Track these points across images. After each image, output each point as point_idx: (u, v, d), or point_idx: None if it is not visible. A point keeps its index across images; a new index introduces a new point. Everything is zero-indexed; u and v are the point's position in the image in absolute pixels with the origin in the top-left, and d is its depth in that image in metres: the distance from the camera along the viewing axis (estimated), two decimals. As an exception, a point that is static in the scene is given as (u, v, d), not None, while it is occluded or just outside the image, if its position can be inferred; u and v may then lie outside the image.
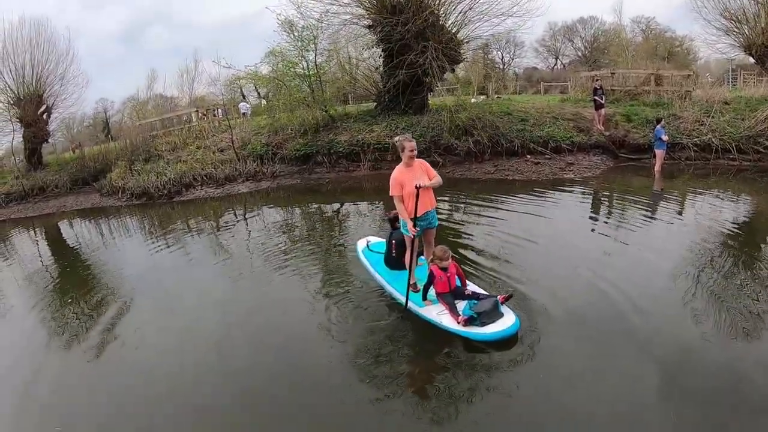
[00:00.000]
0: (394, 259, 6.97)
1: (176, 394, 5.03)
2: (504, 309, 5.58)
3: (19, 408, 5.04)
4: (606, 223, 9.92)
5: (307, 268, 8.09)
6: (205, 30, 72.27)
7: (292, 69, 17.39)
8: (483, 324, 5.38)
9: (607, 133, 17.04)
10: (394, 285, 6.52)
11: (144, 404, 4.89)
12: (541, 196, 12.07)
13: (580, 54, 45.23)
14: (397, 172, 5.97)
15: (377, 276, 7.04)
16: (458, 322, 5.49)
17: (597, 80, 17.71)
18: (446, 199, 12.14)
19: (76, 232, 13.66)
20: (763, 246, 8.28)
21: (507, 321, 5.39)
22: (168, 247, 10.48)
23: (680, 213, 10.32)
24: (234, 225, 12.04)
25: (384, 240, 7.75)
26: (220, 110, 25.57)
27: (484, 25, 16.93)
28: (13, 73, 19.42)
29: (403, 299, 6.16)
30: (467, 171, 15.00)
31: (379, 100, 17.87)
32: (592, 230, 9.41)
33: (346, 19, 16.88)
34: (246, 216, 12.89)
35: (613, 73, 19.76)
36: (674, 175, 14.12)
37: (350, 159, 16.02)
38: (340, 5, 16.60)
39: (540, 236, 8.67)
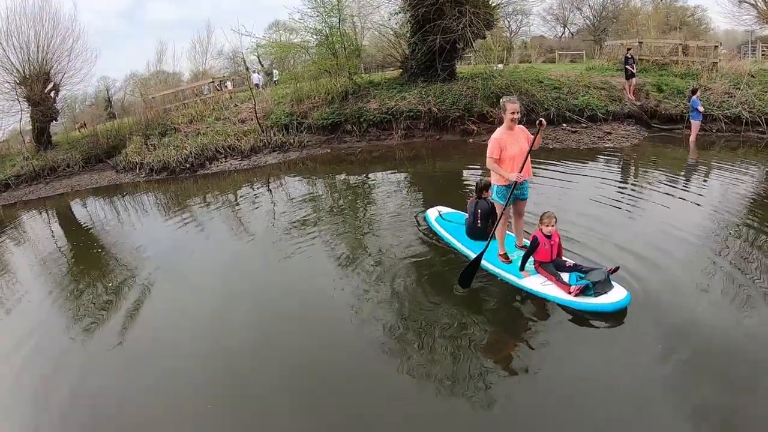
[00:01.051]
0: (480, 230, 6.92)
1: (213, 382, 4.90)
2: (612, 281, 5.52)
3: (44, 397, 4.94)
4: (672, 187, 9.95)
5: (363, 237, 8.14)
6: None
7: (315, 36, 17.06)
8: (597, 295, 5.36)
9: (639, 103, 17.14)
10: (482, 254, 6.25)
11: (180, 389, 4.86)
12: (590, 163, 12.08)
13: (588, 23, 44.82)
14: (499, 134, 5.94)
15: (459, 246, 7.05)
16: (569, 293, 5.48)
17: (629, 49, 17.66)
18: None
19: (97, 211, 13.15)
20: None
21: (620, 293, 5.37)
22: (196, 223, 10.22)
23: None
24: (263, 197, 11.72)
25: (455, 211, 8.04)
26: (229, 83, 25.23)
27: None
28: (18, 51, 18.78)
29: (492, 268, 6.29)
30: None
31: (406, 68, 17.68)
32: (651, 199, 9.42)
33: None
34: (280, 187, 12.64)
35: (641, 42, 19.64)
36: (706, 147, 14.26)
37: (381, 128, 15.83)
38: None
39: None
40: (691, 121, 14.63)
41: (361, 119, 15.81)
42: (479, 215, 6.91)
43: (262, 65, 29.66)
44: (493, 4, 16.78)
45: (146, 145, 16.91)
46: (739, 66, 20.17)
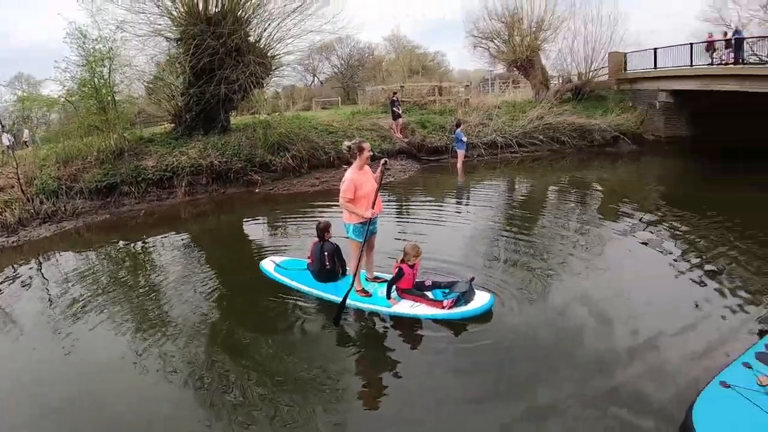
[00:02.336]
0: (329, 271, 7.16)
1: None
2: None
3: None
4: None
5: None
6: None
7: (83, 88, 15.98)
8: (466, 302, 6.27)
9: (407, 140, 18.99)
10: (336, 294, 6.70)
11: None
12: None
13: (336, 71, 48.16)
14: (353, 174, 6.38)
15: (311, 290, 7.23)
16: (443, 307, 6.26)
17: (395, 93, 19.60)
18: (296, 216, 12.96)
19: None
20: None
21: (484, 297, 6.40)
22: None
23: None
24: (35, 278, 9.62)
25: (289, 258, 8.24)
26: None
27: (297, 41, 17.69)
28: None
29: (360, 304, 6.68)
30: (292, 186, 15.80)
31: (179, 121, 17.38)
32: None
33: (150, 31, 16.09)
34: (54, 264, 10.71)
35: (403, 86, 21.84)
36: (471, 171, 17.31)
37: (161, 186, 15.22)
38: (143, 13, 15.80)
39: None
40: (457, 150, 17.06)
41: (139, 179, 15.00)
42: (327, 257, 7.09)
43: (2, 125, 26.46)
44: (272, 54, 17.40)
45: None
46: (485, 100, 23.54)
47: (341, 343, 6.05)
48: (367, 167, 6.57)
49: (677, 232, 9.62)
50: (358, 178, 6.37)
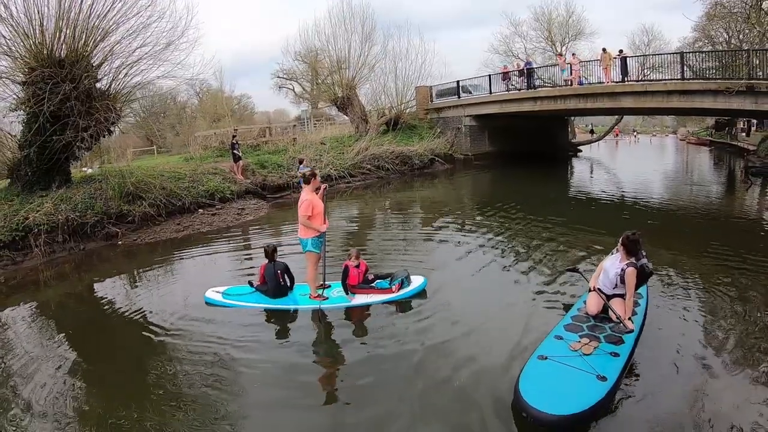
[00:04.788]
0: (284, 287, 8.87)
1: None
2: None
3: None
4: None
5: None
6: None
7: None
8: (409, 284, 8.94)
9: (248, 181, 20.68)
10: (299, 303, 8.68)
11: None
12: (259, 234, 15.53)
13: (138, 119, 47.85)
14: (309, 196, 8.34)
15: (270, 306, 8.74)
16: (393, 291, 8.69)
17: (234, 136, 21.26)
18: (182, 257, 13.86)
19: None
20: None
21: (419, 279, 9.20)
22: None
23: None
24: None
25: (230, 286, 9.55)
26: None
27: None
28: None
29: (334, 305, 8.55)
30: (155, 234, 16.29)
31: (17, 176, 16.65)
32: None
33: None
34: None
35: (237, 129, 23.39)
36: None
37: (14, 248, 14.71)
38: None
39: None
40: (302, 185, 18.91)
41: None
42: (280, 275, 8.78)
43: None
44: (122, 99, 17.50)
45: None
46: (310, 137, 26.15)
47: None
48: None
49: (485, 229, 13.85)
50: (313, 199, 8.35)
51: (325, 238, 8.90)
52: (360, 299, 8.71)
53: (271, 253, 8.98)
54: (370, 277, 9.11)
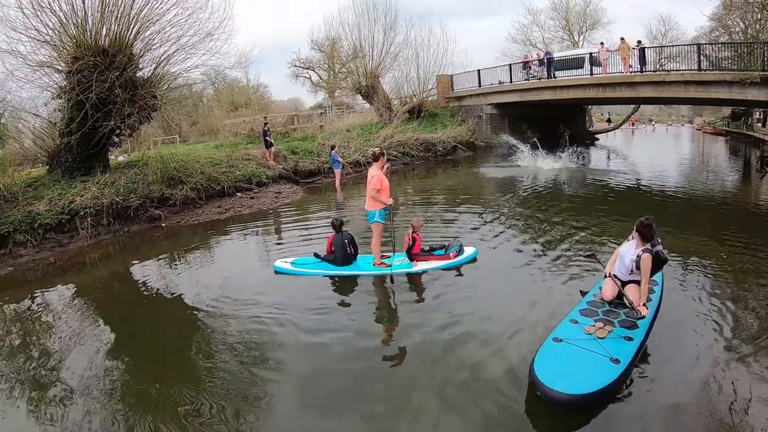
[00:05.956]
0: (351, 255, 9.66)
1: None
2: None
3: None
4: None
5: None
6: None
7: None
8: (463, 252, 9.80)
9: (281, 166, 20.90)
10: (366, 269, 9.50)
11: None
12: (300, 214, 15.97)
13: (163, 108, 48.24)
14: (378, 172, 9.18)
15: (340, 272, 9.54)
16: (450, 258, 9.62)
17: (266, 123, 21.47)
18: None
19: None
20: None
21: (471, 249, 10.11)
22: None
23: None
24: None
25: (297, 257, 10.30)
26: None
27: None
28: None
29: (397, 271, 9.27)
30: (197, 216, 16.76)
31: (58, 163, 17.04)
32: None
33: (35, 66, 15.77)
34: None
35: (266, 117, 23.63)
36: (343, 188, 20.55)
37: (60, 231, 15.09)
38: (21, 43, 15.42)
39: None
40: (334, 170, 19.48)
41: (35, 225, 14.79)
42: (347, 244, 9.60)
43: None
44: (164, 87, 17.78)
45: None
46: (336, 125, 26.39)
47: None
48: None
49: (503, 215, 14.34)
50: (381, 175, 9.19)
51: (390, 211, 9.50)
52: (421, 265, 9.51)
53: (339, 225, 9.81)
54: (426, 248, 9.97)
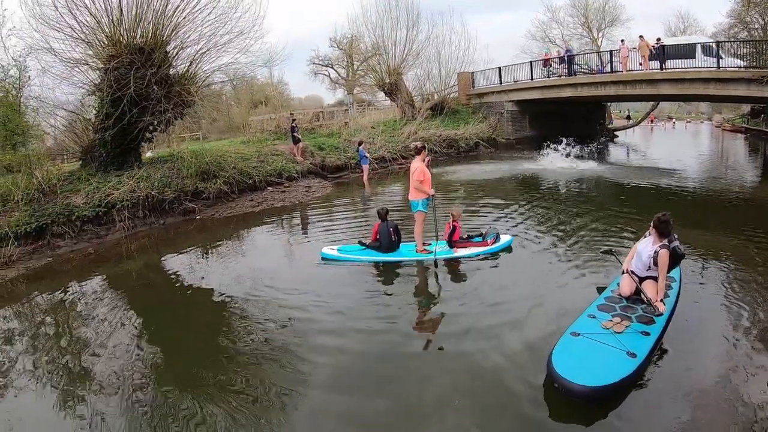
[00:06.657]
0: (395, 243, 10.07)
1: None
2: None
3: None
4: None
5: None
6: None
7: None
8: (499, 240, 10.22)
9: (309, 162, 21.11)
10: (409, 255, 9.92)
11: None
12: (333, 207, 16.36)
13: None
14: (421, 164, 9.63)
15: (386, 259, 9.94)
16: (489, 245, 10.03)
17: (293, 120, 21.73)
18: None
19: None
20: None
21: (506, 236, 10.55)
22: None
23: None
24: None
25: (343, 245, 10.73)
26: None
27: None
28: None
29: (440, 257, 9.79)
30: (231, 209, 17.14)
31: (92, 157, 17.30)
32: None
33: (70, 63, 16.12)
34: None
35: (292, 113, 23.85)
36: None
37: (98, 223, 15.37)
38: (57, 40, 15.74)
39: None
40: (362, 165, 19.78)
41: (72, 217, 15.05)
42: (392, 233, 10.01)
43: None
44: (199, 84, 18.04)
45: None
46: (360, 122, 26.59)
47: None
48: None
49: (524, 209, 14.37)
50: (424, 167, 9.66)
51: (432, 200, 9.89)
52: (461, 251, 9.98)
53: (384, 214, 10.23)
54: (464, 236, 10.39)
